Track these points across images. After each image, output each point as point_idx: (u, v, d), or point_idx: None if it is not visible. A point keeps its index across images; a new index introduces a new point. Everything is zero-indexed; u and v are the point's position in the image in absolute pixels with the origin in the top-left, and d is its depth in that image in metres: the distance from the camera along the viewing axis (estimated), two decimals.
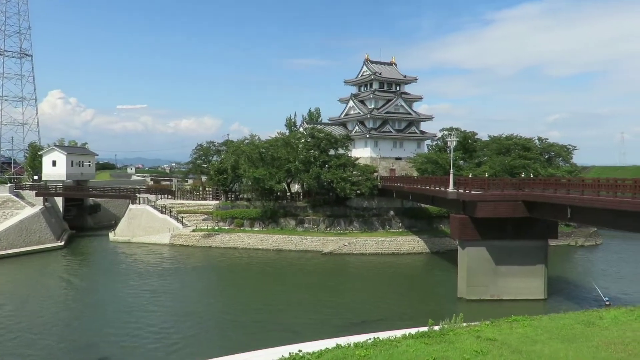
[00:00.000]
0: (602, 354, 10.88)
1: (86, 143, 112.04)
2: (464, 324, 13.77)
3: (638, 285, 45.51)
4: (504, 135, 77.73)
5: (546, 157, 75.53)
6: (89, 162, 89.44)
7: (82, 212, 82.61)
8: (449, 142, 50.07)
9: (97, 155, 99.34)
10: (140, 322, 33.48)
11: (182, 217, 71.30)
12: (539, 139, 77.91)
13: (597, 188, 31.52)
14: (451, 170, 46.00)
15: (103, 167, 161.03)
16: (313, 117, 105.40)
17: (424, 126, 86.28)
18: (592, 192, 31.87)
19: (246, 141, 75.90)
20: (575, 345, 11.47)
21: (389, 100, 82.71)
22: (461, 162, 74.44)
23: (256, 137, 76.31)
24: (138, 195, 75.55)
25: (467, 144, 77.92)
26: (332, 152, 71.27)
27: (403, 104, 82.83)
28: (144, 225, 70.61)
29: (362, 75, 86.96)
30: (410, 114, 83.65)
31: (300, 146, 71.35)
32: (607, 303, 32.41)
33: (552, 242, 53.43)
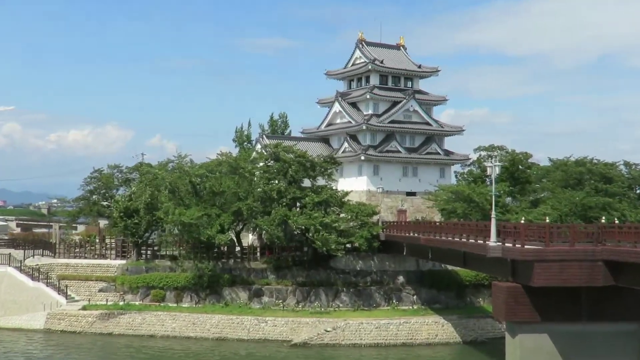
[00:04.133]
0: None
1: None
2: None
3: None
4: (572, 159, 78.31)
5: (638, 192, 77.28)
6: None
7: None
8: (488, 169, 50.28)
9: None
10: None
11: (67, 287, 70.06)
12: (626, 164, 79.44)
13: None
14: (493, 212, 45.98)
15: None
16: (277, 128, 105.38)
17: (449, 143, 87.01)
18: None
19: (171, 165, 75.13)
20: None
21: (395, 103, 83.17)
22: (508, 199, 75.06)
23: (187, 159, 76.06)
24: None
25: (518, 171, 78.51)
26: (306, 182, 71.28)
27: (417, 108, 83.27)
28: (3, 299, 69.04)
29: (353, 64, 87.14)
30: (428, 124, 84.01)
31: (257, 174, 71.18)
32: None
33: None
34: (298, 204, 69.48)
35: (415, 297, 69.72)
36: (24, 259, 74.61)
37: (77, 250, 77.87)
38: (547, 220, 55.23)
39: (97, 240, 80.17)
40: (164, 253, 74.20)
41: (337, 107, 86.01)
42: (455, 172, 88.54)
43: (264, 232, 70.11)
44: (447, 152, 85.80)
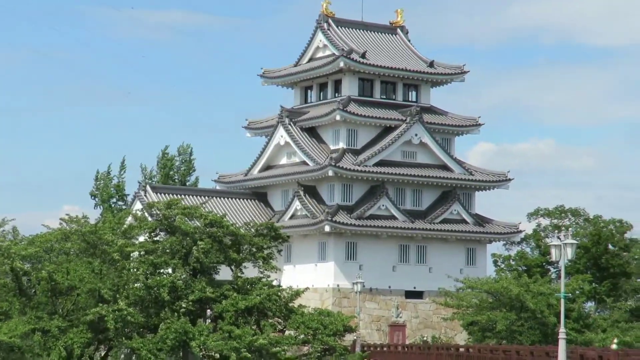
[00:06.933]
0: None
1: None
2: None
3: None
4: None
5: None
6: None
7: None
8: (553, 251, 48.25)
9: None
10: None
11: None
12: None
13: None
14: (561, 328, 46.79)
15: None
16: (172, 174, 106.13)
17: (484, 202, 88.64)
18: None
19: None
20: None
21: (387, 130, 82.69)
22: (590, 304, 74.01)
23: (6, 228, 72.98)
24: None
25: (606, 254, 78.33)
26: (225, 272, 69.46)
27: (427, 139, 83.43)
28: None
29: (312, 59, 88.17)
30: (446, 167, 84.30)
31: (134, 255, 68.70)
32: None
33: None
34: (209, 312, 67.46)
35: None
36: None
37: None
38: None
39: None
40: None
41: (281, 135, 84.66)
42: (493, 255, 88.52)
43: None
44: (480, 220, 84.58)
